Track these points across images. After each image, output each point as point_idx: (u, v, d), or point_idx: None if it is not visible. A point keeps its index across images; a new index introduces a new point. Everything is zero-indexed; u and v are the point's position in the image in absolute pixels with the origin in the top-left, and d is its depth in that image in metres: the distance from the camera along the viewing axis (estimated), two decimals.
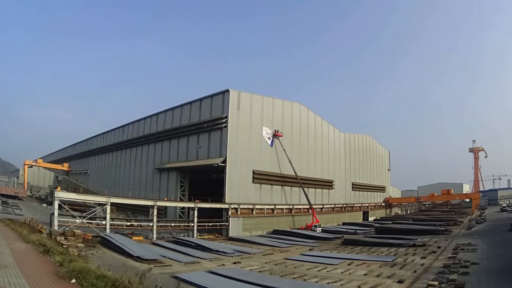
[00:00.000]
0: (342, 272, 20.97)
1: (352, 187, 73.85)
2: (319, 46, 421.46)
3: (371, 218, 76.67)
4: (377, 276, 19.58)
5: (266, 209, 48.13)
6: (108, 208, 33.10)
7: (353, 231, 49.29)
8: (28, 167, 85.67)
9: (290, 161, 51.36)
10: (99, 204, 35.15)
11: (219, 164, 42.56)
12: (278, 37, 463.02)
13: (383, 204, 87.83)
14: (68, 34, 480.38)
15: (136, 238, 33.35)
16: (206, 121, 46.18)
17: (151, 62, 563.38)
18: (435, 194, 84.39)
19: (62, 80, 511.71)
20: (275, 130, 50.94)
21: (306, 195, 52.80)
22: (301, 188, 53.73)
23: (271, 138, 50.52)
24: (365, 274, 20.33)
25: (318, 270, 21.77)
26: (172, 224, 41.04)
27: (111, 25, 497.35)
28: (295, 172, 51.86)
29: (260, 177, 47.45)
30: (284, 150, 51.20)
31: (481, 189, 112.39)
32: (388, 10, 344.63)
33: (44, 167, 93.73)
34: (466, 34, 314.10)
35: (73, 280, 11.21)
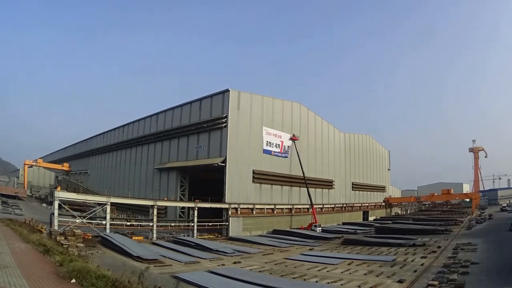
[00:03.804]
0: (342, 272, 20.96)
1: (352, 187, 73.88)
2: (316, 42, 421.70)
3: (371, 218, 76.71)
4: (377, 276, 19.58)
5: (266, 209, 48.14)
6: (108, 208, 33.09)
7: (353, 230, 49.31)
8: (28, 167, 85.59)
9: (300, 162, 52.16)
10: (99, 204, 35.13)
11: (219, 164, 42.56)
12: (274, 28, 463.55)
13: (383, 204, 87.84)
14: (68, 31, 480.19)
15: (136, 238, 33.33)
16: (206, 121, 46.17)
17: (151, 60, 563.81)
18: (435, 194, 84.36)
19: (62, 80, 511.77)
20: (293, 134, 53.21)
21: (309, 195, 52.80)
22: (301, 188, 53.80)
23: (290, 144, 53.12)
24: (365, 274, 20.33)
25: (318, 270, 21.76)
26: (172, 224, 41.01)
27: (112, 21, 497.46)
28: (303, 173, 52.56)
29: (260, 177, 47.45)
30: (297, 152, 52.29)
31: (481, 189, 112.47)
32: (391, 6, 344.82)
33: (44, 167, 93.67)
34: (471, 35, 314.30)
35: (73, 280, 11.20)
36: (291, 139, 53.08)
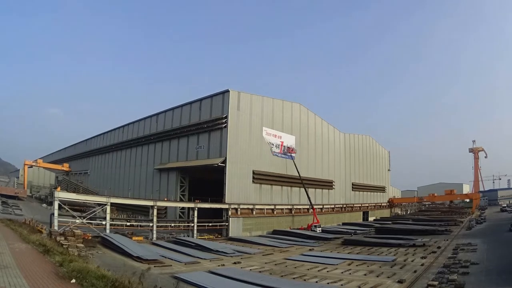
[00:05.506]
0: (342, 272, 20.95)
1: (352, 187, 73.85)
2: (318, 40, 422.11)
3: (371, 218, 76.69)
4: (377, 276, 19.57)
5: (266, 209, 48.10)
6: (108, 208, 33.09)
7: (353, 231, 49.24)
8: (28, 167, 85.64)
9: (297, 168, 51.99)
10: (99, 204, 35.14)
11: (219, 164, 42.56)
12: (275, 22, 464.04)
13: (387, 204, 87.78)
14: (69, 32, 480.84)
15: (136, 238, 33.35)
16: (206, 121, 46.17)
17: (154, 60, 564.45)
18: (436, 194, 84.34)
19: (63, 80, 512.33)
20: (292, 148, 53.35)
21: (308, 196, 52.76)
22: (301, 188, 53.76)
23: (290, 145, 53.42)
24: (365, 274, 20.32)
25: (318, 270, 21.75)
26: (172, 224, 40.94)
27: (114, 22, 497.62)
28: (299, 175, 52.28)
29: (260, 177, 47.43)
30: (295, 165, 52.11)
31: (481, 189, 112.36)
32: (396, 10, 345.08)
33: (44, 167, 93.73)
34: (471, 37, 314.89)
35: (73, 280, 11.21)
36: (289, 152, 53.04)
